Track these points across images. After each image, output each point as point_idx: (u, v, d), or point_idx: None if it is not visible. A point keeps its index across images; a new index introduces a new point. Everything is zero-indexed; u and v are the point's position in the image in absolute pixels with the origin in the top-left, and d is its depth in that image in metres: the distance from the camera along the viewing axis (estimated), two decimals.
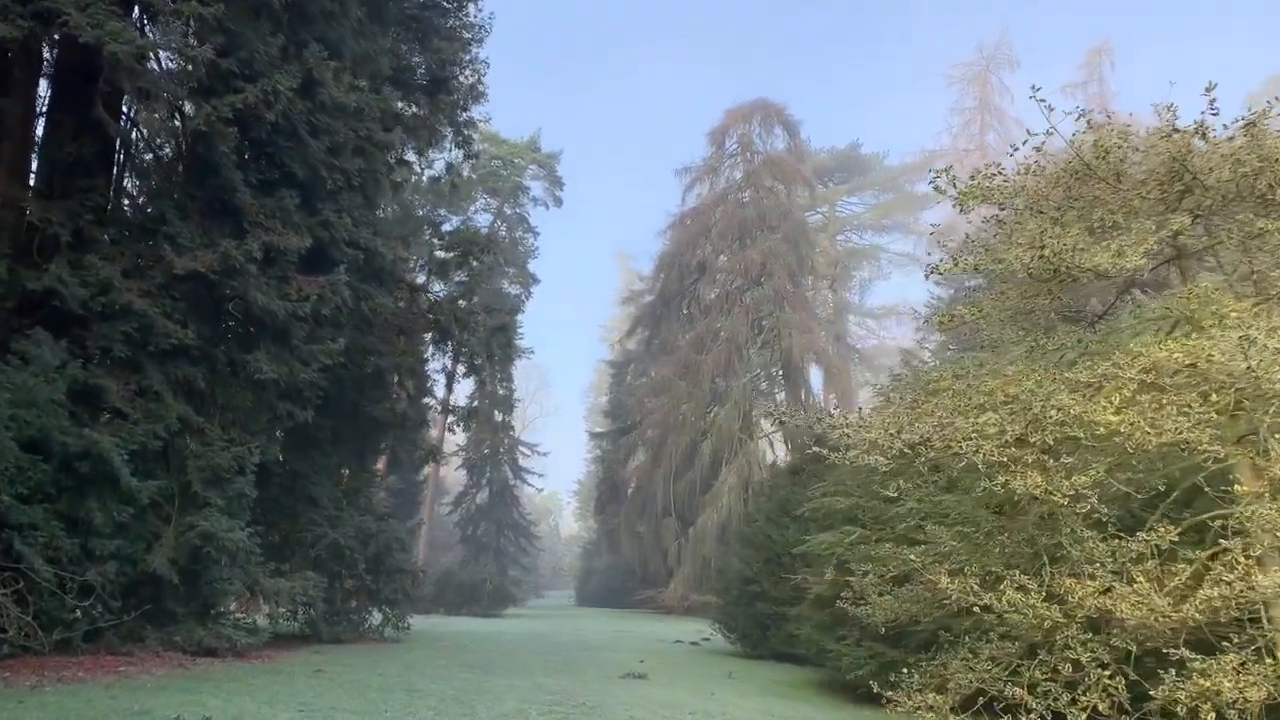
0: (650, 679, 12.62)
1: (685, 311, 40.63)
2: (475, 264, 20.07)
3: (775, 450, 41.70)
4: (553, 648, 18.19)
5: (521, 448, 54.42)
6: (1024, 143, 7.64)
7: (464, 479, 53.67)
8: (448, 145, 21.67)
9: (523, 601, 45.52)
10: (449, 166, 21.19)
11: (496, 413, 46.50)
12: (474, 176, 40.21)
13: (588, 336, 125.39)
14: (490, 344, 19.03)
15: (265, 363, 12.93)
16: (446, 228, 25.34)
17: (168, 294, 12.14)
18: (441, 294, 20.54)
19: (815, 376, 38.80)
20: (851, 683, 10.76)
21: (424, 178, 41.14)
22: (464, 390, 33.64)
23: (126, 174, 13.56)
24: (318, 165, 13.71)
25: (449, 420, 23.09)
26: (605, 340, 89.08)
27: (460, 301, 19.36)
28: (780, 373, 36.71)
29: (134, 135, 13.49)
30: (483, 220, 37.82)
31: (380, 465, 26.08)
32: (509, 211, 44.07)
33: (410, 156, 20.88)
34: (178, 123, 13.15)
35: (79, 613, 11.19)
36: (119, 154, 13.77)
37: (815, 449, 18.96)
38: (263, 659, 13.06)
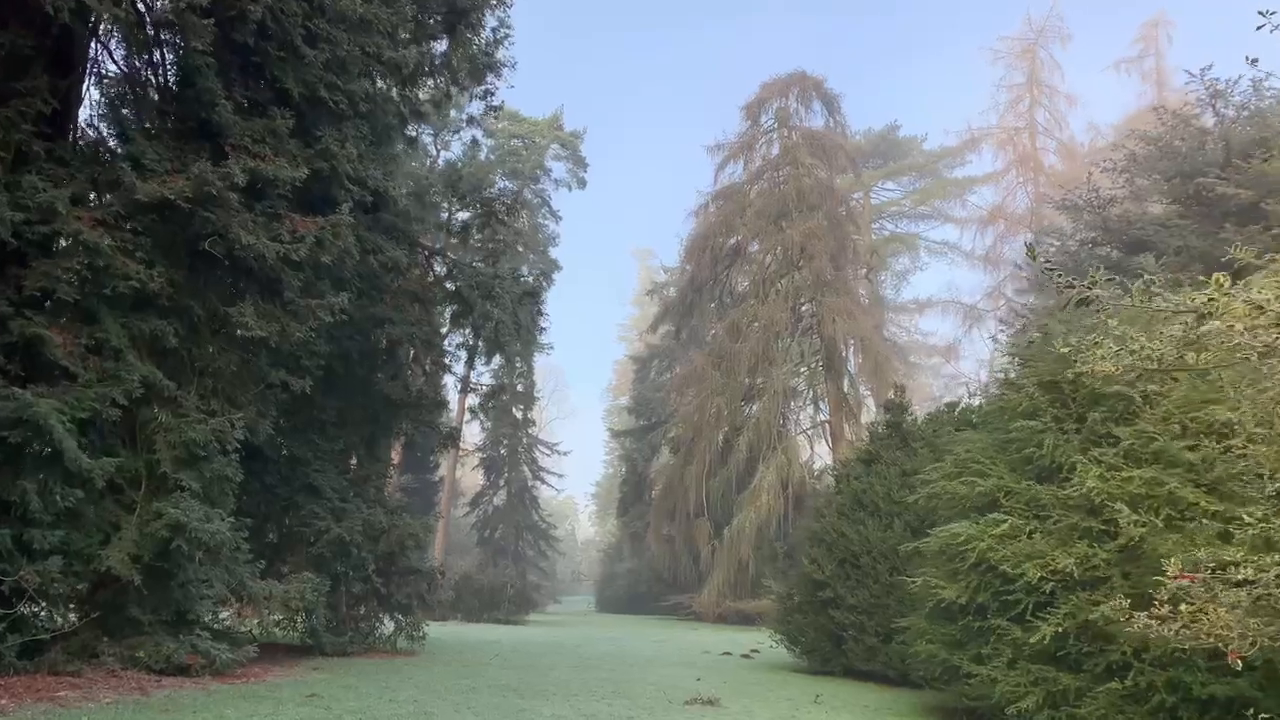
0: (722, 705, 10.20)
1: (716, 300, 38.13)
2: (499, 227, 17.72)
3: (814, 447, 39.28)
4: (590, 661, 15.79)
5: (540, 447, 52.25)
6: None
7: (480, 480, 51.65)
8: (468, 98, 19.29)
9: (542, 607, 43.14)
10: (470, 119, 18.78)
11: (516, 409, 44.28)
12: (493, 157, 37.97)
13: (605, 337, 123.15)
14: (516, 313, 16.66)
15: (251, 317, 10.61)
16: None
17: (128, 226, 9.84)
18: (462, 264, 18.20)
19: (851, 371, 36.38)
20: (995, 714, 8.29)
21: (440, 159, 39.11)
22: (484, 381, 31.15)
23: (84, 83, 11.23)
24: (316, 83, 11.40)
25: (470, 403, 20.57)
26: (623, 339, 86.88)
27: (482, 266, 17.00)
28: (820, 363, 34.17)
29: (91, 41, 11.18)
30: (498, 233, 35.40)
31: (395, 458, 23.80)
32: (529, 196, 41.77)
33: (426, 108, 18.52)
34: (146, 22, 10.84)
35: (8, 622, 8.92)
36: (84, 81, 11.55)
37: (885, 429, 16.62)
38: (248, 678, 10.73)
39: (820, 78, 35.58)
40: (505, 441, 47.70)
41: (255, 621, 13.37)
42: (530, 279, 17.16)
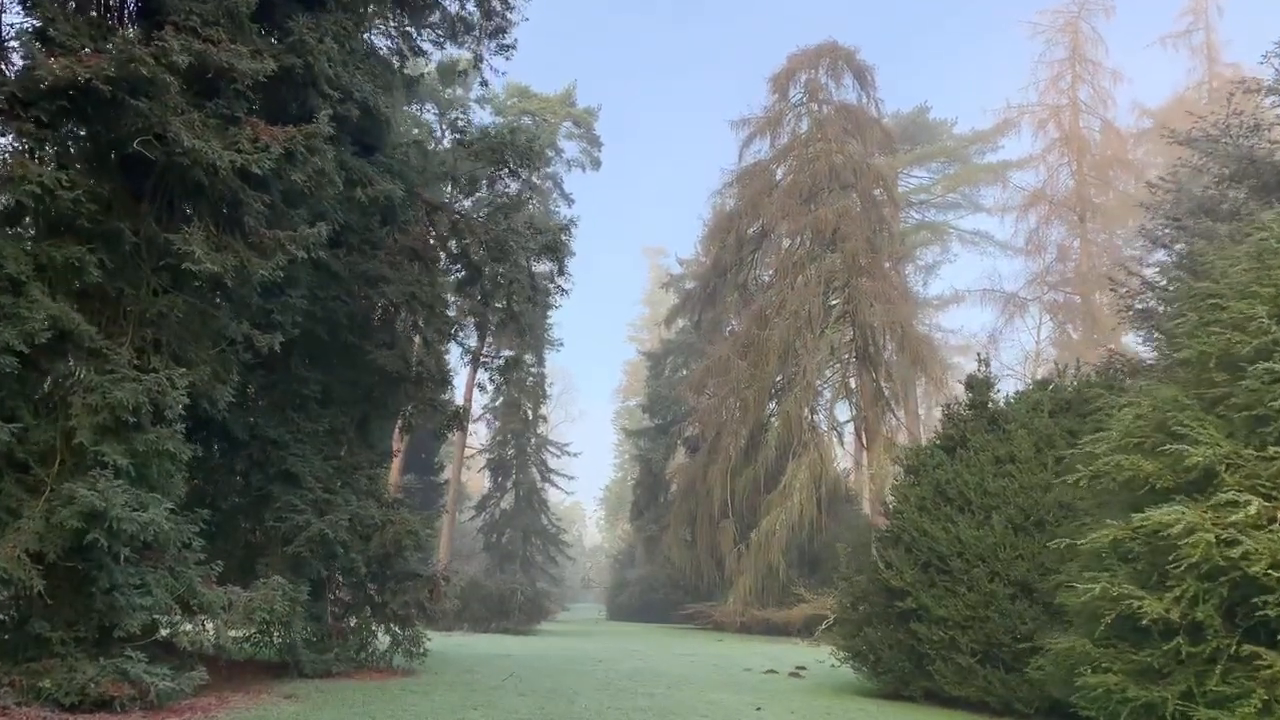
0: None
1: (740, 288, 35.62)
2: (511, 179, 15.37)
3: (844, 444, 36.87)
4: (619, 682, 13.35)
5: (550, 448, 49.87)
6: None
7: (486, 484, 49.40)
8: (475, 39, 16.89)
9: (552, 616, 40.70)
10: (477, 59, 16.31)
11: (525, 405, 41.90)
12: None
13: (612, 339, 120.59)
14: (533, 275, 14.26)
15: (200, 246, 8.20)
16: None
17: (29, 115, 7.46)
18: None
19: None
20: None
21: (445, 138, 36.74)
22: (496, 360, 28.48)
23: None
24: None
25: (480, 378, 18.07)
26: (633, 339, 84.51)
27: (496, 220, 14.60)
28: (854, 353, 31.65)
29: None
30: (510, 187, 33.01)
31: (396, 447, 21.39)
32: (540, 182, 39.37)
33: (427, 45, 16.19)
34: None
35: None
36: None
37: (968, 410, 14.20)
38: (194, 711, 8.32)
39: (852, 48, 33.15)
40: (513, 442, 45.36)
41: (214, 636, 10.94)
42: (549, 236, 14.59)
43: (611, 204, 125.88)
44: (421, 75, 15.84)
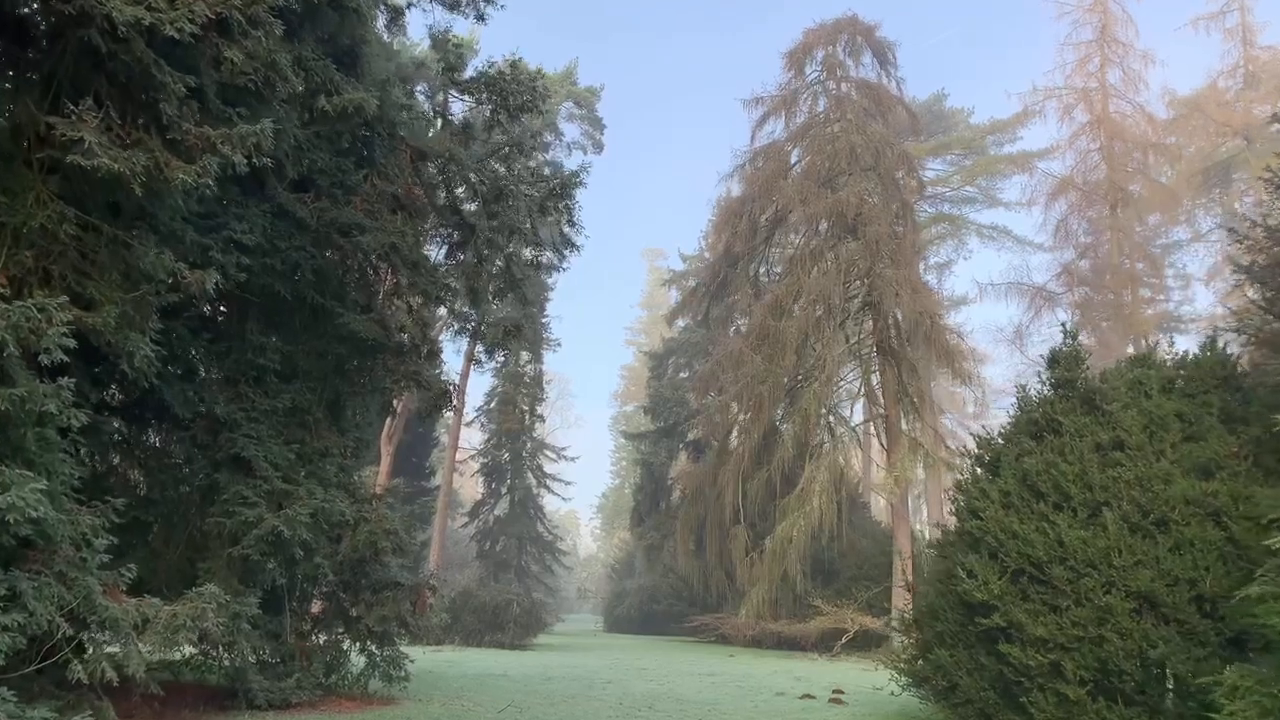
0: None
1: (751, 279, 33.44)
2: (511, 120, 13.26)
3: (861, 448, 34.69)
4: (640, 711, 11.11)
5: (546, 451, 47.73)
6: None
7: (480, 490, 47.34)
8: None
9: (550, 627, 38.40)
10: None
11: (522, 402, 39.73)
12: None
13: (607, 343, 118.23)
14: (535, 228, 12.10)
15: (94, 135, 6.01)
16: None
17: None
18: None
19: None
20: None
21: (437, 123, 34.60)
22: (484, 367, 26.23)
23: None
24: None
25: (475, 354, 15.75)
26: (631, 344, 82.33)
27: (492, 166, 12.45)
28: (874, 347, 29.47)
29: None
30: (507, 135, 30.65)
31: (385, 443, 19.12)
32: (542, 169, 37.18)
33: None
34: None
35: None
36: None
37: (1054, 389, 12.01)
38: None
39: (872, 24, 31.06)
40: (508, 445, 43.19)
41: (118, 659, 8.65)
42: (555, 182, 12.44)
43: (608, 208, 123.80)
44: (410, 4, 13.63)
